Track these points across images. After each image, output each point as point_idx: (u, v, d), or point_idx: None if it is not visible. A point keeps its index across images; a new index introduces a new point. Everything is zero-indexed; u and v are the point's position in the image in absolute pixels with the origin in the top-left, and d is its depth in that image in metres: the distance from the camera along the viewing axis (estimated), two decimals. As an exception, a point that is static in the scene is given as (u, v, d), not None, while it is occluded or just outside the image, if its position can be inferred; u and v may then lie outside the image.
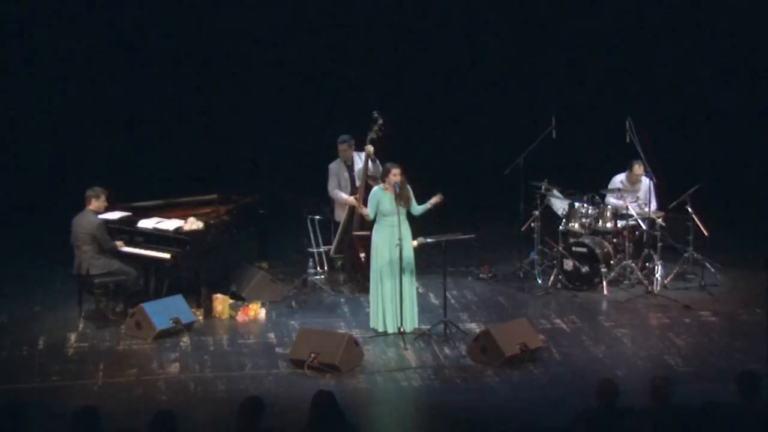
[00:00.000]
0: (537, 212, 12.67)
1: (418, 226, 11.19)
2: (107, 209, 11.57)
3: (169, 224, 11.70)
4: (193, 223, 11.65)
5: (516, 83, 16.90)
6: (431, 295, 12.20)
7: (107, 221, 11.56)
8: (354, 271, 12.39)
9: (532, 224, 12.74)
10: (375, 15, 16.80)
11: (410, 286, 10.96)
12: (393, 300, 10.87)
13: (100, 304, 11.24)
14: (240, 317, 11.46)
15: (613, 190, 12.64)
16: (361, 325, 11.18)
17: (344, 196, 12.33)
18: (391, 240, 10.86)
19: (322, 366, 9.90)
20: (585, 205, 12.57)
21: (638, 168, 12.50)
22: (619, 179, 12.76)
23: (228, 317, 11.51)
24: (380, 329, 10.96)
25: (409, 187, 10.95)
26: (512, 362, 10.08)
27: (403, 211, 10.83)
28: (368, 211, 11.00)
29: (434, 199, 10.92)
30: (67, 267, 11.56)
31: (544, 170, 12.85)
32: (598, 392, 7.30)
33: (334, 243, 12.34)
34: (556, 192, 12.81)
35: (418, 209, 10.98)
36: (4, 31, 15.90)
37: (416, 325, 11.02)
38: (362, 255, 12.06)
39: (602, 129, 14.86)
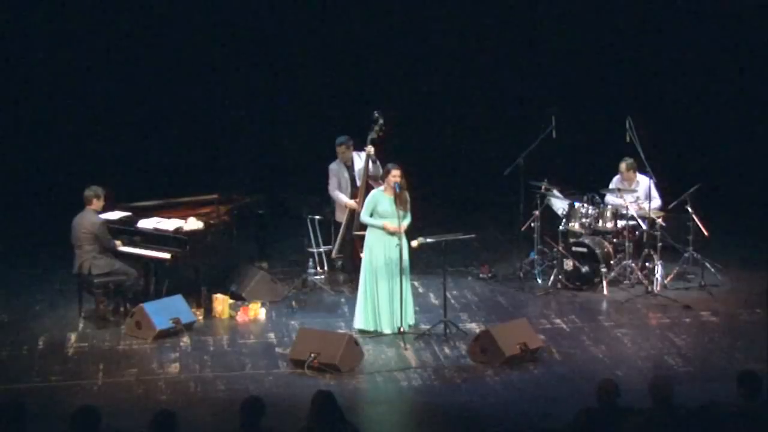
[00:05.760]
0: (537, 212, 12.67)
1: (418, 226, 11.19)
2: (106, 209, 11.58)
3: (169, 224, 11.70)
4: (193, 223, 11.65)
5: (516, 83, 16.90)
6: (431, 295, 12.19)
7: (108, 221, 11.56)
8: (354, 271, 12.37)
9: (532, 224, 12.74)
10: (375, 15, 16.80)
11: (407, 285, 10.94)
12: (391, 300, 10.86)
13: (100, 304, 11.24)
14: (240, 317, 11.46)
15: (613, 190, 12.63)
16: (354, 327, 11.16)
17: (344, 198, 12.32)
18: (387, 241, 10.85)
19: (322, 366, 9.90)
20: (585, 205, 12.57)
21: (623, 165, 12.51)
22: (618, 179, 12.76)
23: (228, 317, 11.51)
24: (369, 328, 10.93)
25: (407, 193, 10.92)
26: (512, 362, 10.08)
27: (402, 213, 10.80)
28: (363, 213, 11.00)
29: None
30: (67, 267, 11.56)
31: (544, 170, 12.85)
32: (598, 392, 7.30)
33: (336, 244, 12.33)
34: (556, 192, 12.80)
35: (406, 219, 10.94)
36: (5, 31, 15.90)
37: (411, 323, 11.01)
38: (362, 255, 12.04)
39: (602, 129, 14.86)
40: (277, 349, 10.61)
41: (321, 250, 12.66)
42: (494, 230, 14.37)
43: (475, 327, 11.14)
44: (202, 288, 11.57)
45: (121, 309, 11.36)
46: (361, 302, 11.03)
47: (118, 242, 11.47)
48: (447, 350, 10.55)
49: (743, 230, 14.17)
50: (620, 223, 12.46)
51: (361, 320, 11.02)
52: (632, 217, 12.39)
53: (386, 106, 12.40)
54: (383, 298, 10.91)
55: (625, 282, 12.43)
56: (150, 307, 10.91)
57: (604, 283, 12.20)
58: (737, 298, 12.06)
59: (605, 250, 12.36)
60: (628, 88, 16.35)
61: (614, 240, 12.48)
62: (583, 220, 12.55)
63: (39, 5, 16.00)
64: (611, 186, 12.72)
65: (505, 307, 11.95)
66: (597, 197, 12.63)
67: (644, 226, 12.44)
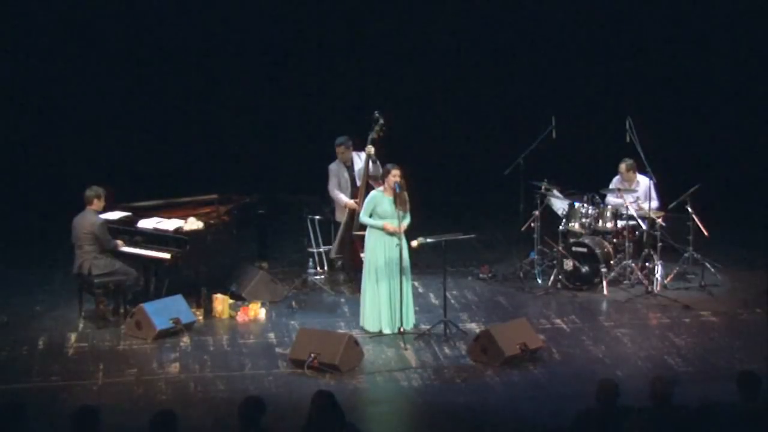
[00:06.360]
0: (537, 212, 12.68)
1: (418, 226, 11.19)
2: (106, 209, 11.57)
3: (169, 224, 11.70)
4: (193, 223, 11.65)
5: (516, 83, 16.90)
6: (431, 295, 12.19)
7: (108, 221, 11.56)
8: (354, 271, 12.38)
9: (532, 224, 12.74)
10: (375, 15, 16.80)
11: (407, 286, 10.93)
12: (391, 300, 10.86)
13: (100, 304, 11.24)
14: (240, 317, 11.46)
15: (612, 190, 12.64)
16: (361, 325, 11.17)
17: (344, 198, 12.32)
18: (387, 241, 10.85)
19: (322, 366, 9.89)
20: (585, 205, 12.57)
21: (623, 166, 12.53)
22: (617, 179, 12.76)
23: (228, 317, 11.51)
24: (371, 329, 10.94)
25: (406, 194, 10.91)
26: (512, 362, 10.08)
27: (401, 213, 10.80)
28: (362, 214, 11.01)
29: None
30: (67, 267, 11.56)
31: (544, 170, 12.85)
32: (598, 392, 7.31)
33: (335, 244, 12.33)
34: (556, 192, 12.81)
35: (405, 219, 10.93)
36: (6, 31, 15.90)
37: (411, 324, 11.00)
38: (362, 255, 12.03)
39: (602, 129, 14.86)
40: (277, 349, 10.61)
41: (321, 250, 12.67)
42: (494, 230, 14.37)
43: (475, 327, 11.14)
44: (202, 288, 11.57)
45: (121, 309, 11.35)
46: (363, 303, 11.03)
47: (119, 242, 11.47)
48: (447, 350, 10.55)
49: (743, 230, 14.17)
50: (620, 223, 12.46)
51: (365, 320, 11.02)
52: (632, 217, 12.39)
53: (386, 106, 12.40)
54: (383, 298, 10.91)
55: (625, 282, 12.43)
56: (150, 307, 10.91)
57: (604, 283, 12.21)
58: (737, 298, 12.05)
59: (605, 250, 12.36)
60: (628, 88, 16.35)
61: (614, 240, 12.48)
62: (583, 220, 12.55)
63: (39, 4, 16.00)
64: (611, 186, 12.72)
65: (505, 307, 11.95)
66: (597, 197, 12.64)
67: (644, 226, 12.44)
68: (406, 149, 13.06)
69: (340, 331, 10.89)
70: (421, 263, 12.38)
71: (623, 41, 16.71)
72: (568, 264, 12.37)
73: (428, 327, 10.95)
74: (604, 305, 11.93)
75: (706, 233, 12.39)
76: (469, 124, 17.06)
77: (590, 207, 12.55)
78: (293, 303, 11.96)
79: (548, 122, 12.72)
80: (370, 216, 10.94)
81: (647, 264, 12.36)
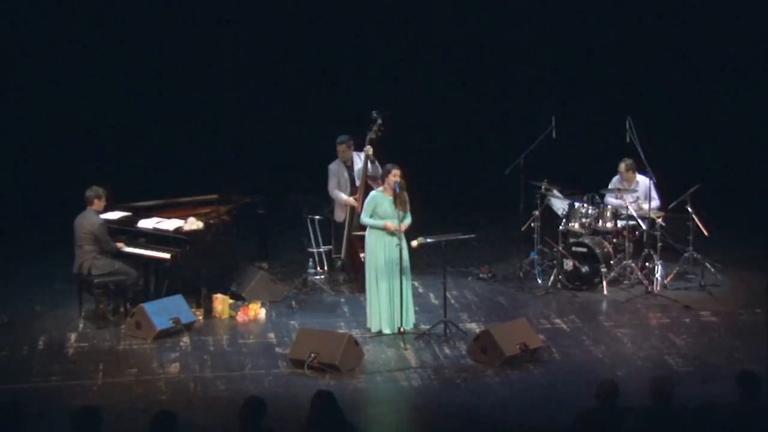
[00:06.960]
0: (537, 212, 12.68)
1: (418, 226, 11.19)
2: (106, 209, 11.57)
3: (169, 224, 11.70)
4: (193, 223, 11.65)
5: (516, 83, 16.90)
6: (431, 295, 12.19)
7: (108, 221, 11.55)
8: (354, 271, 12.39)
9: (532, 224, 12.74)
10: (375, 14, 16.80)
11: (407, 286, 10.93)
12: (391, 300, 10.86)
13: (100, 304, 11.24)
14: (240, 317, 11.46)
15: (612, 190, 12.64)
16: (361, 325, 11.17)
17: (344, 196, 12.34)
18: (387, 241, 10.85)
19: (322, 366, 9.89)
20: (585, 205, 12.57)
21: (622, 166, 12.54)
22: (617, 179, 12.76)
23: (228, 317, 11.51)
24: (372, 329, 10.95)
25: (406, 194, 10.91)
26: (512, 362, 10.07)
27: (401, 213, 10.80)
28: (363, 215, 11.02)
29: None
30: (67, 267, 11.56)
31: (544, 170, 12.85)
32: (598, 392, 7.30)
33: (343, 246, 12.33)
34: (556, 192, 12.81)
35: (406, 219, 10.94)
36: (5, 31, 15.91)
37: (411, 324, 11.00)
38: (362, 255, 12.04)
39: (602, 129, 14.87)
40: (277, 349, 10.61)
41: (321, 250, 12.67)
42: (494, 230, 14.37)
43: (475, 327, 11.14)
44: (202, 288, 11.57)
45: (121, 309, 11.36)
46: (370, 303, 11.03)
47: (120, 244, 11.45)
48: (447, 350, 10.55)
49: (743, 230, 14.17)
50: (620, 223, 12.46)
51: (371, 321, 11.01)
52: (632, 217, 12.39)
53: (386, 106, 12.40)
54: (383, 298, 10.91)
55: (625, 282, 12.43)
56: (150, 307, 10.91)
57: (604, 283, 12.21)
58: (737, 298, 12.05)
59: (605, 250, 12.36)
60: (628, 88, 16.35)
61: (614, 240, 12.48)
62: (583, 220, 12.55)
63: (39, 4, 16.00)
64: (611, 186, 12.72)
65: (505, 307, 11.95)
66: (597, 197, 12.64)
67: (644, 226, 12.44)
68: (406, 149, 13.06)
69: (340, 331, 10.89)
70: (421, 263, 12.38)
71: (623, 41, 16.71)
72: (568, 264, 12.37)
73: (428, 327, 10.95)
74: (604, 305, 11.93)
75: (706, 233, 12.39)
76: (469, 124, 17.06)
77: (590, 207, 12.55)
78: (293, 303, 11.96)
79: (548, 122, 12.72)
80: (371, 216, 10.94)
81: (647, 264, 12.36)
